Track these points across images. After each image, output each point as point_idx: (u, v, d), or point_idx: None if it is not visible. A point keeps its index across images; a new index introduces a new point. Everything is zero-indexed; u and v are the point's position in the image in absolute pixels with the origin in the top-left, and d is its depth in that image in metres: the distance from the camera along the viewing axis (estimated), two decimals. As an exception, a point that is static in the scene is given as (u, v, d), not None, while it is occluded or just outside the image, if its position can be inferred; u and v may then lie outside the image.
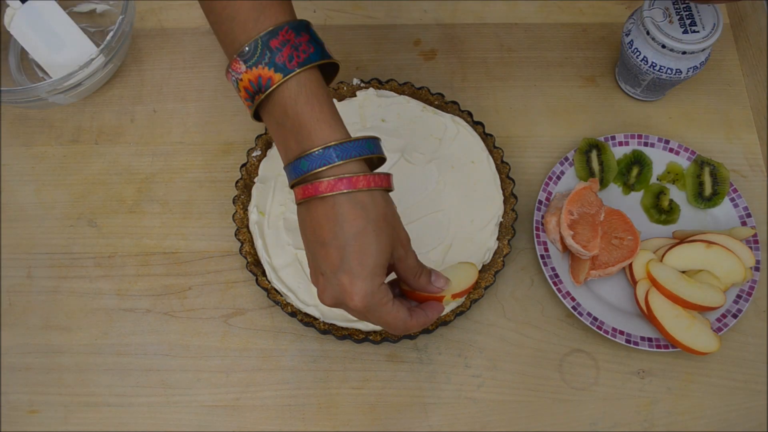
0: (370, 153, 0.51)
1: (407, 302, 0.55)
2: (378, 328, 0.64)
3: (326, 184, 0.49)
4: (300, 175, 0.50)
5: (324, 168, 0.49)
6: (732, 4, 0.83)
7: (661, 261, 0.67)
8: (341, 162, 0.49)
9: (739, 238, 0.68)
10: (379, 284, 0.51)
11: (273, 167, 0.71)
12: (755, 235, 0.69)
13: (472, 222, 0.69)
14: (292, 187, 0.52)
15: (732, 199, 0.71)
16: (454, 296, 0.61)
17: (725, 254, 0.66)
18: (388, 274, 0.53)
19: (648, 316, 0.65)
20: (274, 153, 0.72)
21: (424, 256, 0.67)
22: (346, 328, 0.65)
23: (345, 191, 0.49)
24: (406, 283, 0.56)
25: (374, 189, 0.50)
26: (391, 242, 0.52)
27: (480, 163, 0.71)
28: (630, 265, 0.68)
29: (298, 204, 0.52)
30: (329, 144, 0.49)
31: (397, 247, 0.53)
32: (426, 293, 0.56)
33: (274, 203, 0.70)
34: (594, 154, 0.72)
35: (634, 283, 0.67)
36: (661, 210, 0.72)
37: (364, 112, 0.74)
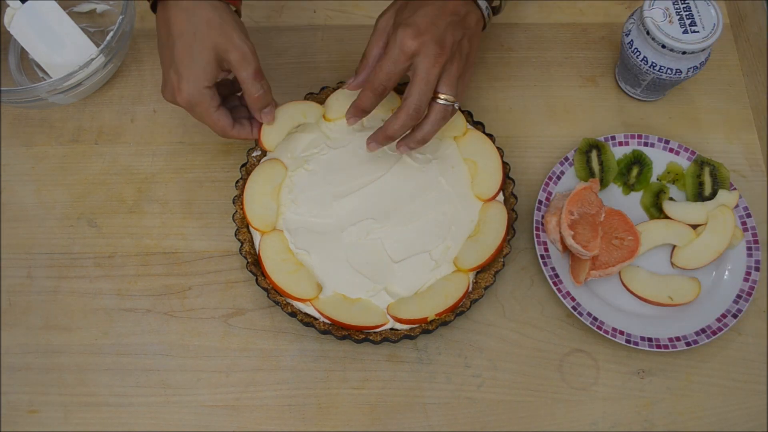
0: None
1: (237, 114, 0.65)
2: (376, 328, 0.64)
3: None
4: None
5: None
6: (732, 4, 0.83)
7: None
8: None
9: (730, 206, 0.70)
10: (203, 87, 0.60)
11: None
12: (755, 235, 0.69)
13: (472, 222, 0.69)
14: None
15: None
16: (438, 315, 0.63)
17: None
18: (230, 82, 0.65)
19: None
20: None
21: (425, 255, 0.67)
22: (346, 329, 0.65)
23: None
24: (243, 93, 0.63)
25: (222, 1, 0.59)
26: (218, 48, 0.59)
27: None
28: None
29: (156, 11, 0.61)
30: None
31: (229, 54, 0.59)
32: None
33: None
34: (594, 155, 0.72)
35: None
36: (661, 209, 0.72)
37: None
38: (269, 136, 0.69)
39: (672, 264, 0.69)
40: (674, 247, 0.70)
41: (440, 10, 0.61)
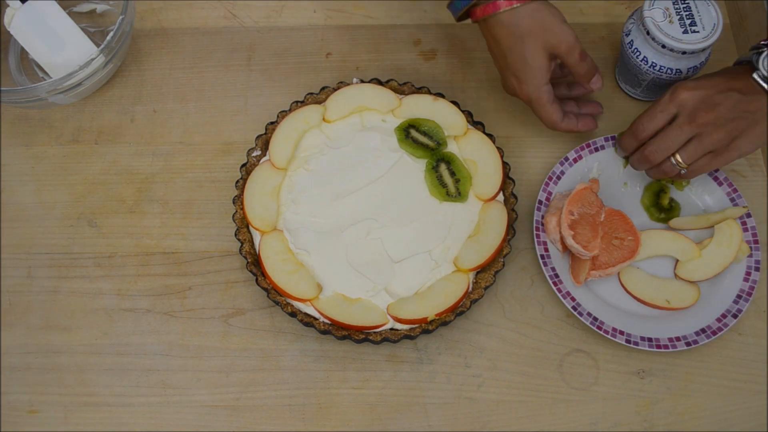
0: None
1: (565, 107, 0.70)
2: (376, 328, 0.64)
3: (480, 9, 0.65)
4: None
5: None
6: (732, 4, 0.83)
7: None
8: None
9: (733, 218, 0.69)
10: (543, 85, 0.67)
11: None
12: (755, 235, 0.69)
13: (472, 222, 0.69)
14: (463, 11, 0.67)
15: (732, 199, 0.71)
16: (438, 315, 0.63)
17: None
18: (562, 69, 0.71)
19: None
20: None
21: (425, 255, 0.67)
22: (346, 329, 0.65)
23: (494, 12, 0.64)
24: (571, 73, 0.69)
25: (516, 7, 0.64)
26: (546, 47, 0.65)
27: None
28: None
29: (482, 21, 0.67)
30: None
31: (557, 48, 0.65)
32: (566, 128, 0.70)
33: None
34: (443, 168, 0.70)
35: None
36: (662, 208, 0.72)
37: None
38: (278, 155, 0.70)
39: (675, 275, 0.69)
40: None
41: (726, 81, 0.62)
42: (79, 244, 0.72)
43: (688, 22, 0.69)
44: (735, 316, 0.66)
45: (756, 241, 0.69)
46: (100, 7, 0.82)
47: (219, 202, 0.74)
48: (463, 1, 0.66)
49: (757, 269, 0.68)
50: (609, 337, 0.65)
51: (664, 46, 0.69)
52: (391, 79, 0.75)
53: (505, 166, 0.71)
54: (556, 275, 0.68)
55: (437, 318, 0.64)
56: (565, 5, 0.84)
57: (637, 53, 0.71)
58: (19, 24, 0.73)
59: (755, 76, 0.61)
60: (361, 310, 0.65)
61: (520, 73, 0.66)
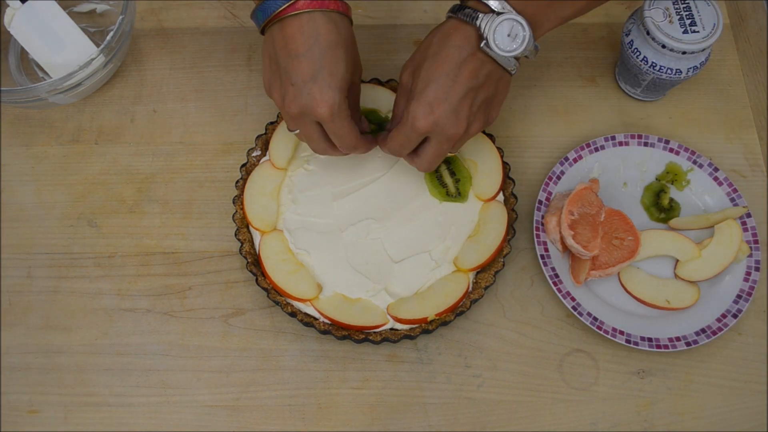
0: None
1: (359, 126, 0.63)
2: (376, 328, 0.64)
3: (302, 3, 0.55)
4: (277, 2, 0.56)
5: None
6: (732, 4, 0.83)
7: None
8: None
9: (733, 218, 0.69)
10: (344, 97, 0.57)
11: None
12: (755, 235, 0.69)
13: (472, 222, 0.69)
14: (262, 13, 0.58)
15: (732, 199, 0.71)
16: (438, 315, 0.63)
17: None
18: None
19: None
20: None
21: (425, 255, 0.67)
22: (346, 329, 0.65)
23: (320, 9, 0.55)
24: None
25: (344, 14, 0.57)
26: (355, 63, 0.60)
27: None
28: None
29: (270, 25, 0.57)
30: None
31: (356, 71, 0.61)
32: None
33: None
34: (443, 168, 0.71)
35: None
36: (662, 208, 0.72)
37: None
38: (278, 155, 0.70)
39: (675, 275, 0.69)
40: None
41: (455, 79, 0.56)
42: (79, 244, 0.72)
43: (688, 22, 0.69)
44: (735, 316, 0.66)
45: (756, 241, 0.69)
46: (100, 7, 0.82)
47: (219, 202, 0.74)
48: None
49: (757, 269, 0.68)
50: (609, 337, 0.65)
51: (664, 46, 0.69)
52: (391, 79, 0.75)
53: (505, 166, 0.71)
54: (556, 275, 0.68)
55: (437, 318, 0.64)
56: (565, 5, 0.84)
57: (637, 53, 0.71)
58: (19, 24, 0.73)
59: (484, 47, 0.56)
60: (361, 310, 0.65)
61: (329, 79, 0.57)
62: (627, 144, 0.74)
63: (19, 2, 0.73)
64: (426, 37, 0.60)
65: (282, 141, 0.71)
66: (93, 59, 0.72)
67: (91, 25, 0.82)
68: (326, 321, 0.65)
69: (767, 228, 0.72)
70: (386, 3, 0.84)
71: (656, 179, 0.73)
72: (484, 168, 0.70)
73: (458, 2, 0.59)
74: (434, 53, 0.58)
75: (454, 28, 0.58)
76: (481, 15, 0.56)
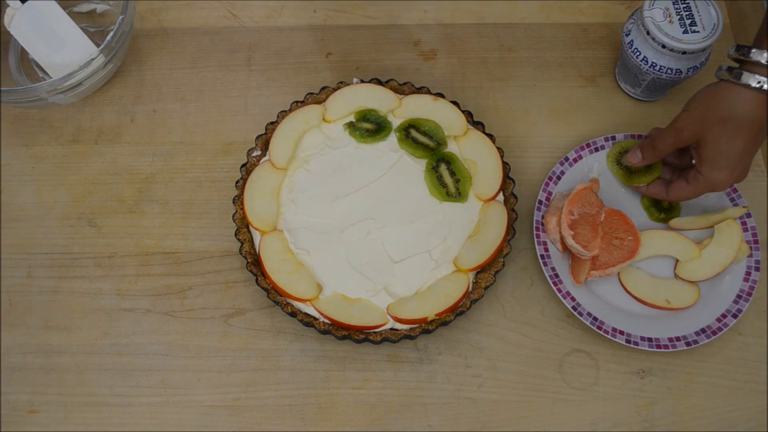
0: None
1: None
2: (376, 328, 0.65)
3: None
4: None
5: None
6: (732, 4, 0.83)
7: None
8: None
9: (733, 218, 0.70)
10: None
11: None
12: (755, 235, 0.69)
13: (472, 222, 0.69)
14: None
15: (732, 199, 0.71)
16: (438, 315, 0.63)
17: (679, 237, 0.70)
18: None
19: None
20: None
21: (425, 255, 0.67)
22: (346, 329, 0.65)
23: None
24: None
25: None
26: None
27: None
28: None
29: None
30: None
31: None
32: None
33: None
34: (443, 168, 0.71)
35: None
36: (662, 208, 0.72)
37: (364, 112, 0.74)
38: (278, 155, 0.70)
39: (675, 275, 0.69)
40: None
41: (754, 141, 0.61)
42: (79, 244, 0.72)
43: (688, 22, 0.69)
44: (735, 316, 0.66)
45: (756, 241, 0.69)
46: (100, 7, 0.82)
47: (219, 202, 0.74)
48: None
49: (757, 269, 0.68)
50: (609, 337, 0.65)
51: (664, 46, 0.69)
52: (391, 79, 0.75)
53: (505, 166, 0.71)
54: (556, 275, 0.68)
55: (437, 318, 0.64)
56: (565, 5, 0.84)
57: (637, 53, 0.71)
58: (19, 24, 0.73)
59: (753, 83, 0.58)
60: (361, 310, 0.65)
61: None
62: (627, 144, 0.74)
63: (19, 2, 0.73)
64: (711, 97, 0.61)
65: (282, 141, 0.71)
66: (93, 59, 0.72)
67: (91, 25, 0.82)
68: (326, 321, 0.65)
69: (767, 228, 0.72)
70: (386, 3, 0.84)
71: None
72: (484, 168, 0.70)
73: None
74: (734, 129, 0.60)
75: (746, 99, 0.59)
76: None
